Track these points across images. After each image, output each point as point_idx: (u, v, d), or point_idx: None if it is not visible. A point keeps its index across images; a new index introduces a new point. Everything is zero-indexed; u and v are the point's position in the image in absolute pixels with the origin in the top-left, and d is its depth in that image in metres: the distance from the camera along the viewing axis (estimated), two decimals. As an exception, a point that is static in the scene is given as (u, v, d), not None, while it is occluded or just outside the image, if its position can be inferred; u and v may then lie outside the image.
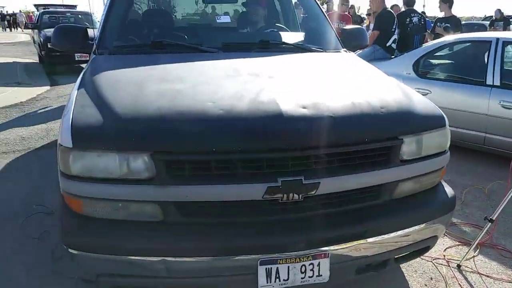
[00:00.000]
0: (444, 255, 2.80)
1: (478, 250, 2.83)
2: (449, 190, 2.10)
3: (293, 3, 3.89)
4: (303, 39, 3.17)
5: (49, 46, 10.72)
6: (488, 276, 2.62)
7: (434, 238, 2.06)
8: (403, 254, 1.99)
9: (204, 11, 4.09)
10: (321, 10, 3.20)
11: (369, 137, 1.76)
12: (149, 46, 2.64)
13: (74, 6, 18.28)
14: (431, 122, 1.95)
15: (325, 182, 1.67)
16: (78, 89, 2.03)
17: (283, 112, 1.69)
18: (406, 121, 1.89)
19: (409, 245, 1.95)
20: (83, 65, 12.19)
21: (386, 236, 1.82)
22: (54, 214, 3.21)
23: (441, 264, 2.73)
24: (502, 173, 4.12)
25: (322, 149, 1.69)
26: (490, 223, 2.66)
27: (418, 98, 2.08)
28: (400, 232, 1.86)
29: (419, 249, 2.04)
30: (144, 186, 1.61)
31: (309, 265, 1.72)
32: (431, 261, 2.73)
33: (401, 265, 2.61)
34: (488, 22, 13.23)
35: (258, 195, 1.62)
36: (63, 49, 2.83)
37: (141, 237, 1.66)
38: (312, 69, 2.37)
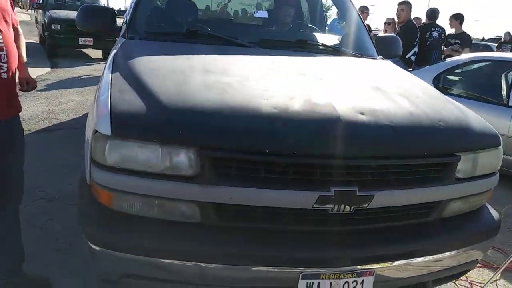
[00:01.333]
0: (466, 277, 2.71)
1: (500, 274, 2.74)
2: (494, 213, 2.00)
3: (321, 3, 3.78)
4: (339, 42, 3.07)
5: (53, 27, 10.49)
6: (511, 302, 2.53)
7: (474, 262, 1.96)
8: (443, 277, 1.89)
9: (225, 7, 3.97)
10: (358, 14, 3.10)
11: (428, 151, 1.65)
12: (182, 35, 2.51)
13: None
14: (487, 141, 1.86)
15: (380, 195, 1.55)
16: (112, 72, 1.87)
17: (341, 117, 1.57)
18: (464, 138, 1.78)
19: (451, 268, 1.85)
20: (84, 50, 12.04)
21: (433, 257, 1.71)
22: (57, 201, 3.07)
23: (464, 286, 2.64)
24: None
25: (379, 159, 1.57)
26: (519, 249, 2.57)
27: (473, 114, 1.99)
28: (446, 254, 1.75)
29: (459, 272, 1.94)
30: (185, 184, 1.47)
31: (353, 282, 1.60)
32: (454, 282, 2.64)
33: None
34: (496, 44, 13.31)
35: (308, 204, 1.50)
36: (88, 30, 2.67)
37: (175, 239, 1.52)
38: (357, 73, 2.27)
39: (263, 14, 3.19)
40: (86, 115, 3.50)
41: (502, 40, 12.03)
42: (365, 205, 1.55)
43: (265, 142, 1.48)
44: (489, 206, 2.05)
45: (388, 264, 1.64)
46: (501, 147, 1.91)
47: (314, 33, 3.11)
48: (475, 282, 2.69)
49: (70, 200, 3.02)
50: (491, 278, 2.64)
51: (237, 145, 1.48)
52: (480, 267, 2.87)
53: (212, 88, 1.68)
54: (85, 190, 1.67)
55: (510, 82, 4.46)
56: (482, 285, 2.63)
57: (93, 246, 1.56)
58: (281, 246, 1.54)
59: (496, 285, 2.69)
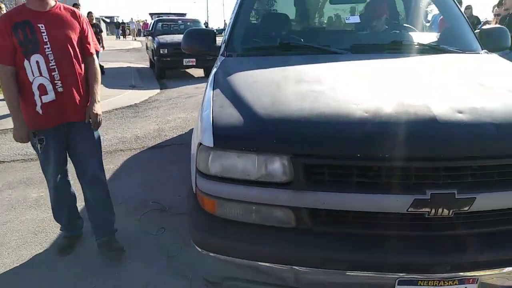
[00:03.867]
0: None
1: None
2: None
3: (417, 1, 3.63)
4: (436, 39, 2.93)
5: (161, 51, 11.54)
6: None
7: None
8: None
9: (322, 12, 4.00)
10: (458, 6, 2.93)
11: None
12: (276, 48, 2.63)
13: (184, 14, 19.56)
14: None
15: (481, 197, 1.48)
16: (214, 89, 2.05)
17: (437, 116, 1.53)
18: None
19: None
20: (188, 70, 13.00)
21: None
22: (168, 211, 3.38)
23: None
24: None
25: (480, 159, 1.50)
26: None
27: None
28: None
29: None
30: (280, 190, 1.56)
31: None
32: None
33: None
34: None
35: (403, 208, 1.49)
36: (192, 52, 2.93)
37: (272, 243, 1.61)
38: (457, 70, 2.16)
39: (355, 19, 3.18)
40: (191, 131, 3.80)
41: None
42: (466, 209, 1.49)
43: (356, 146, 1.50)
44: None
45: (494, 271, 1.54)
46: None
47: (410, 33, 3.00)
48: None
49: (180, 210, 3.32)
50: None
51: (328, 151, 1.53)
52: None
53: (305, 97, 1.75)
54: (192, 199, 1.85)
55: None
56: None
57: (200, 250, 1.72)
58: (377, 251, 1.54)
59: None
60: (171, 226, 3.15)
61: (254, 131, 1.60)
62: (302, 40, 2.70)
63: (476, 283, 1.54)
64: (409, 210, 1.48)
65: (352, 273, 1.55)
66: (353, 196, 1.51)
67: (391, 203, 1.50)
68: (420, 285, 1.53)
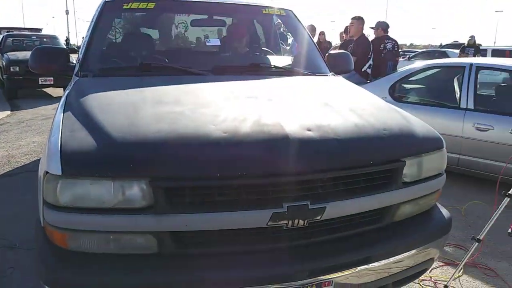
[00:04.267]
0: (430, 277, 2.82)
1: (462, 270, 2.86)
2: (445, 212, 2.11)
3: (274, 26, 3.92)
4: (291, 62, 3.19)
5: (11, 69, 10.35)
6: (475, 296, 2.64)
7: (431, 261, 2.05)
8: (402, 278, 1.96)
9: (184, 35, 4.06)
10: (308, 34, 3.24)
11: (374, 159, 1.74)
12: (136, 69, 2.56)
13: (39, 29, 17.85)
14: (430, 144, 1.97)
15: (331, 206, 1.63)
16: (64, 112, 1.90)
17: (289, 135, 1.65)
18: (408, 143, 1.89)
19: (409, 269, 1.93)
20: (45, 90, 11.88)
21: (389, 260, 1.79)
22: (18, 248, 3.01)
23: (428, 286, 2.73)
24: (473, 194, 4.27)
25: (328, 172, 1.65)
26: (477, 243, 2.70)
27: (416, 120, 2.10)
28: (402, 256, 1.83)
29: (417, 272, 2.03)
30: (140, 216, 1.50)
31: None
32: (419, 283, 2.73)
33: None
34: (450, 49, 13.86)
35: (263, 222, 1.56)
36: (42, 72, 2.69)
37: (133, 272, 1.53)
38: (307, 91, 2.37)
39: (215, 42, 3.30)
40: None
41: (466, 44, 12.53)
42: (318, 218, 1.62)
43: (215, 167, 1.53)
44: (439, 205, 2.15)
45: (345, 272, 1.70)
46: (444, 149, 2.02)
47: (268, 56, 3.22)
48: (438, 280, 2.79)
49: (32, 245, 2.97)
50: (452, 275, 2.75)
51: (188, 173, 1.52)
52: (443, 265, 2.98)
53: (163, 119, 1.73)
54: (40, 233, 1.67)
55: (460, 86, 4.70)
56: (446, 283, 2.73)
57: None
58: (239, 267, 1.58)
59: (459, 281, 2.80)
60: (22, 264, 2.80)
61: (108, 155, 1.52)
62: (166, 60, 2.68)
63: (332, 285, 1.68)
64: (268, 224, 1.55)
65: None
66: (216, 215, 1.53)
67: (251, 219, 1.56)
68: None
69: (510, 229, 2.76)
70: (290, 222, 1.57)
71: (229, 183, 1.55)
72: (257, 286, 1.57)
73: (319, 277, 1.64)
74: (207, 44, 3.32)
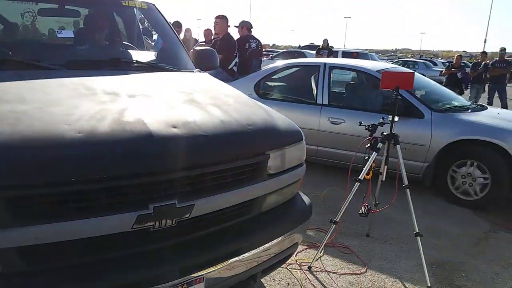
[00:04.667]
0: (295, 260, 3.03)
1: (323, 251, 3.14)
2: (306, 199, 2.28)
3: (138, 21, 3.76)
4: (155, 58, 3.08)
5: None
6: (334, 273, 2.93)
7: (295, 245, 2.20)
8: (270, 265, 2.06)
9: (33, 25, 3.62)
10: (173, 29, 3.17)
11: (240, 154, 1.79)
12: None
13: None
14: (291, 137, 2.10)
15: (200, 203, 1.62)
16: None
17: (153, 133, 1.58)
18: (271, 137, 1.98)
19: (276, 255, 2.03)
20: None
21: (258, 249, 1.87)
22: None
23: (295, 269, 2.94)
24: (331, 181, 4.72)
25: (195, 169, 1.64)
26: (334, 225, 2.99)
27: (278, 115, 2.22)
28: (270, 244, 1.93)
29: (284, 257, 2.15)
30: None
31: None
32: (286, 268, 2.92)
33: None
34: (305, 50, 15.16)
35: (127, 226, 1.47)
36: None
37: None
38: (172, 88, 2.31)
39: (68, 34, 3.02)
40: None
41: (321, 46, 13.80)
42: (187, 216, 1.60)
43: (68, 171, 1.39)
44: (301, 193, 2.32)
45: (217, 267, 1.71)
46: (303, 141, 2.18)
47: (129, 51, 3.07)
48: (303, 263, 3.02)
49: None
50: (315, 257, 3.01)
51: (34, 179, 1.34)
52: (306, 248, 3.24)
53: (3, 119, 1.50)
54: None
55: (316, 83, 5.14)
56: (309, 264, 2.97)
57: None
58: (104, 275, 1.47)
59: (321, 261, 3.07)
60: None
61: None
62: (9, 53, 2.35)
63: (203, 281, 1.68)
64: (134, 227, 1.48)
65: None
66: (72, 224, 1.38)
67: (114, 224, 1.45)
68: None
69: (360, 210, 3.12)
70: (157, 223, 1.52)
71: (87, 187, 1.42)
72: None
73: (190, 275, 1.63)
74: (58, 36, 3.00)
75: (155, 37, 6.53)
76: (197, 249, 1.69)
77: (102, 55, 2.76)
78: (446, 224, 3.91)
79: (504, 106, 10.13)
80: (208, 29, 8.57)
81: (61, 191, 1.39)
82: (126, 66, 2.58)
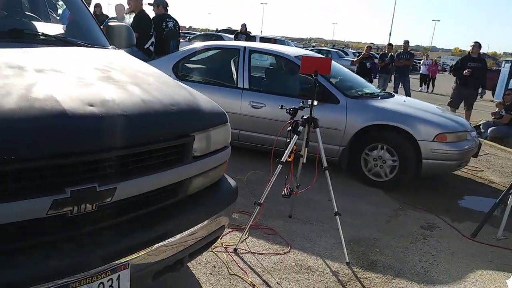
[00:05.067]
0: (221, 243, 3.02)
1: (248, 233, 3.16)
2: (232, 182, 2.25)
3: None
4: (64, 31, 2.80)
5: None
6: (260, 254, 2.97)
7: (222, 228, 2.17)
8: (197, 249, 2.01)
9: None
10: (83, 2, 2.91)
11: (163, 135, 1.70)
12: None
13: None
14: (216, 119, 2.05)
15: (122, 186, 1.51)
16: None
17: (67, 111, 1.43)
18: (196, 119, 1.91)
19: (203, 239, 1.98)
20: None
21: (184, 233, 1.80)
22: None
23: (221, 252, 2.93)
24: (254, 165, 4.76)
25: (116, 150, 1.52)
26: (258, 207, 3.01)
27: (202, 97, 2.14)
28: (196, 227, 1.87)
29: (211, 240, 2.11)
30: None
31: (108, 281, 1.53)
32: (212, 251, 2.90)
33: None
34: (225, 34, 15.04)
35: (42, 212, 1.33)
36: None
37: None
38: (86, 64, 2.11)
39: None
40: None
41: (239, 31, 13.73)
42: (109, 200, 1.48)
43: None
44: (227, 176, 2.28)
45: (141, 253, 1.62)
46: (228, 123, 2.14)
47: (33, 22, 2.75)
48: (229, 245, 3.01)
49: None
50: (240, 239, 3.01)
51: None
52: (232, 231, 3.23)
53: None
54: None
55: (237, 67, 5.10)
56: (235, 246, 2.97)
57: None
58: (16, 266, 1.32)
59: (246, 243, 3.09)
60: None
61: None
62: None
63: (128, 268, 1.58)
64: (49, 213, 1.34)
65: None
66: None
67: (26, 210, 1.31)
68: (73, 287, 1.43)
69: (283, 192, 3.18)
70: (76, 208, 1.39)
71: None
72: (45, 283, 1.35)
73: (113, 262, 1.52)
74: None
75: (60, 11, 6.00)
76: (120, 234, 1.58)
77: (1, 26, 2.44)
78: (362, 204, 4.15)
79: (408, 94, 10.99)
80: (120, 4, 7.98)
81: None
82: (30, 39, 2.31)
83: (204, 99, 2.14)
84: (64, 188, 1.36)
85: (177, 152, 1.78)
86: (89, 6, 7.92)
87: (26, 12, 2.98)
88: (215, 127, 2.00)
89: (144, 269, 1.68)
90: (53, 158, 1.36)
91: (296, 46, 25.23)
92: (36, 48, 2.17)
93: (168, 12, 6.90)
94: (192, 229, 1.85)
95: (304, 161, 3.18)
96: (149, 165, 1.66)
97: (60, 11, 6.03)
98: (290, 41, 27.41)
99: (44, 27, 2.69)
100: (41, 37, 2.41)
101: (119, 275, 1.56)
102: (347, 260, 2.93)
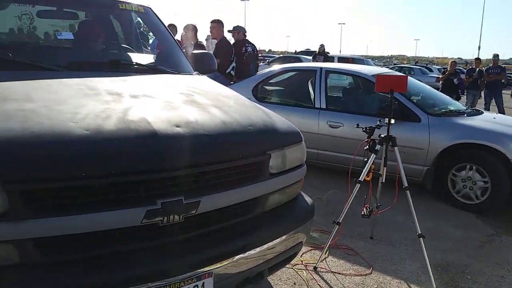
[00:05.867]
0: (301, 261, 3.03)
1: (328, 252, 3.14)
2: (308, 199, 2.28)
3: (134, 24, 3.77)
4: (154, 61, 3.09)
5: None
6: (340, 273, 2.92)
7: (300, 244, 2.20)
8: (276, 263, 2.06)
9: (29, 28, 3.63)
10: (170, 33, 3.19)
11: (242, 153, 1.81)
12: None
13: None
14: (291, 138, 2.12)
15: (205, 200, 1.64)
16: None
17: (157, 131, 1.60)
18: (272, 138, 2.01)
19: (281, 253, 2.03)
20: None
21: (263, 247, 1.87)
22: None
23: (301, 269, 2.94)
24: (332, 184, 4.72)
25: (199, 167, 1.66)
26: (337, 226, 2.98)
27: (277, 117, 2.24)
28: (274, 242, 1.93)
29: (289, 256, 2.15)
30: None
31: (194, 287, 1.65)
32: (292, 268, 2.92)
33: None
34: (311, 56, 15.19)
35: (136, 221, 1.49)
36: None
37: None
38: (173, 89, 2.32)
39: (68, 35, 3.03)
40: None
41: (317, 52, 13.86)
42: (193, 212, 1.61)
43: (78, 166, 1.42)
44: (303, 194, 2.32)
45: (224, 263, 1.72)
46: (303, 142, 2.20)
47: (128, 53, 3.07)
48: (309, 263, 3.02)
49: None
50: (320, 257, 3.00)
51: (45, 174, 1.38)
52: (311, 249, 3.23)
53: (13, 117, 1.53)
54: None
55: (314, 87, 5.15)
56: (315, 264, 2.96)
57: None
58: (115, 269, 1.49)
59: (326, 262, 3.06)
60: None
61: None
62: (9, 54, 2.35)
63: (211, 276, 1.68)
64: (143, 222, 1.49)
65: None
66: (83, 217, 1.41)
67: (124, 218, 1.48)
68: None
69: (362, 212, 3.12)
70: (165, 218, 1.54)
71: (96, 182, 1.44)
72: (137, 285, 1.50)
73: (198, 270, 1.64)
74: (58, 37, 3.01)
75: (151, 41, 6.55)
76: (205, 245, 1.70)
77: (102, 57, 2.77)
78: (448, 226, 3.90)
79: (501, 111, 10.19)
80: (185, 33, 7.80)
81: (72, 186, 1.41)
82: (126, 68, 2.59)
83: (280, 119, 2.23)
84: (155, 200, 1.51)
85: (255, 169, 1.88)
86: (175, 35, 8.53)
87: (122, 45, 3.32)
88: (290, 146, 2.07)
89: (226, 279, 1.77)
90: (146, 173, 1.52)
91: (376, 65, 24.73)
92: (131, 76, 2.43)
93: (247, 38, 7.21)
94: (271, 244, 1.92)
95: (383, 181, 3.11)
96: (229, 181, 1.77)
97: (150, 41, 6.59)
98: (369, 59, 26.90)
99: (137, 57, 3.00)
100: (135, 66, 2.69)
101: (203, 282, 1.67)
102: (434, 286, 2.77)
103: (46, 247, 1.40)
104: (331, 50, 21.00)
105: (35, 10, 3.14)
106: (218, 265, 1.70)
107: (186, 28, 7.59)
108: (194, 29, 7.60)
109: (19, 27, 3.26)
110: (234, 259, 1.75)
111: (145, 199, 1.51)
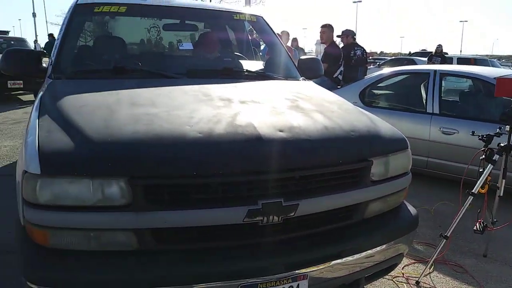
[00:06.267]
0: (403, 273, 2.92)
1: (432, 267, 2.97)
2: (412, 209, 2.21)
3: (246, 32, 4.00)
4: (263, 67, 3.26)
5: (-22, 73, 10.04)
6: (444, 291, 2.75)
7: (400, 256, 2.14)
8: (373, 272, 2.04)
9: (156, 39, 4.10)
10: (279, 40, 3.33)
11: (343, 159, 1.83)
12: (110, 71, 2.58)
13: (6, 32, 17.44)
14: (396, 145, 2.07)
15: (304, 203, 1.70)
16: (39, 113, 1.91)
17: (262, 135, 1.71)
18: (374, 144, 1.99)
19: (380, 263, 2.01)
20: (16, 93, 11.58)
21: (360, 255, 1.87)
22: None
23: (401, 282, 2.83)
24: (443, 195, 4.43)
25: (300, 171, 1.72)
26: (445, 240, 2.81)
27: (382, 122, 2.20)
28: (372, 251, 1.91)
29: (388, 266, 2.11)
30: (120, 213, 1.54)
31: (289, 287, 1.72)
32: (392, 279, 2.83)
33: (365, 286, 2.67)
34: (418, 57, 14.27)
35: (239, 219, 1.61)
36: (14, 74, 2.68)
37: (115, 268, 1.57)
38: (279, 95, 2.43)
39: (188, 46, 3.36)
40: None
41: (433, 52, 12.98)
42: (292, 214, 1.68)
43: (191, 166, 1.59)
44: (407, 203, 2.25)
45: (320, 266, 1.77)
46: (409, 149, 2.12)
47: (240, 61, 3.29)
48: (411, 277, 2.89)
49: (11, 248, 2.90)
50: (423, 272, 2.85)
51: (165, 171, 1.57)
52: (415, 262, 3.09)
53: (140, 120, 1.77)
54: (20, 232, 1.68)
55: (426, 91, 4.88)
56: (417, 279, 2.83)
57: (33, 286, 1.55)
58: (218, 262, 1.63)
59: (430, 277, 2.91)
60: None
61: (87, 155, 1.55)
62: (135, 64, 2.70)
63: (307, 278, 1.74)
64: (245, 220, 1.61)
65: (198, 286, 1.61)
66: (193, 212, 1.58)
67: (228, 216, 1.61)
68: (260, 287, 1.67)
69: (475, 227, 2.90)
70: (265, 218, 1.63)
71: (206, 181, 1.60)
72: (236, 280, 1.63)
73: (294, 271, 1.70)
74: (180, 48, 3.37)
75: (262, 47, 6.82)
76: (302, 247, 1.76)
77: (216, 65, 3.02)
78: None
79: None
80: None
81: (185, 183, 1.60)
82: (237, 75, 2.79)
83: (385, 125, 2.19)
84: (257, 201, 1.62)
85: (355, 176, 1.88)
86: (287, 42, 8.77)
87: (235, 52, 3.56)
88: (395, 153, 2.03)
89: (321, 283, 1.82)
90: (249, 175, 1.64)
91: (502, 65, 22.22)
92: (241, 82, 2.61)
93: (356, 41, 7.09)
94: (369, 252, 1.91)
95: (501, 194, 2.85)
96: (328, 186, 1.81)
97: (262, 47, 6.87)
98: (495, 59, 24.29)
99: (247, 64, 3.20)
100: (245, 73, 2.87)
101: (298, 284, 1.74)
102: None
103: (160, 237, 1.60)
104: (451, 50, 19.49)
105: (162, 23, 3.53)
106: (314, 268, 1.75)
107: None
108: (287, 35, 7.88)
109: (148, 39, 3.70)
110: (331, 264, 1.79)
111: (247, 199, 1.63)
